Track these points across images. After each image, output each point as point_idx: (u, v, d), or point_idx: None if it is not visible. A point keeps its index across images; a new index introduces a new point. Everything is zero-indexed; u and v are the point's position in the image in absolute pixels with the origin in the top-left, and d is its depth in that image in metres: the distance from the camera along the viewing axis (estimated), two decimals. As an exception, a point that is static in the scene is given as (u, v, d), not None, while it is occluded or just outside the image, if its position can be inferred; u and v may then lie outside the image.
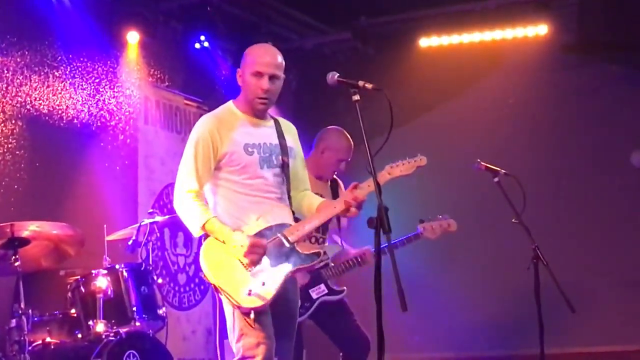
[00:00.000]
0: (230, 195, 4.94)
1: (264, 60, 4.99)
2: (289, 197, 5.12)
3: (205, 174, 4.89)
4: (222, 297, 4.82)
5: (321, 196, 6.05)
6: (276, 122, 5.16)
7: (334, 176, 6.79)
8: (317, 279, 6.52)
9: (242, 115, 5.03)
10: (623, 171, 9.76)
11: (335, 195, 6.59)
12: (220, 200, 4.95)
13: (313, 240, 6.47)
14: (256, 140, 4.99)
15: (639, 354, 9.34)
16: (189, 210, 4.84)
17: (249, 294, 4.70)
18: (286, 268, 4.86)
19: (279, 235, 4.88)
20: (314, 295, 6.51)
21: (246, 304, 4.71)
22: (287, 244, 4.88)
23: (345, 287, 6.66)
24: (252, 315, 4.72)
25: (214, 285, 4.78)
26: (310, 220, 5.03)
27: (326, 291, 6.56)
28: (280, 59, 5.04)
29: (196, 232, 4.86)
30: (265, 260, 4.80)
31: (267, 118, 5.12)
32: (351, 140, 6.63)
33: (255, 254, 4.74)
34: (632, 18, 9.26)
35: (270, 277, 4.78)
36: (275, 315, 4.85)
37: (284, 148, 5.09)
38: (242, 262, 4.74)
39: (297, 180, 5.19)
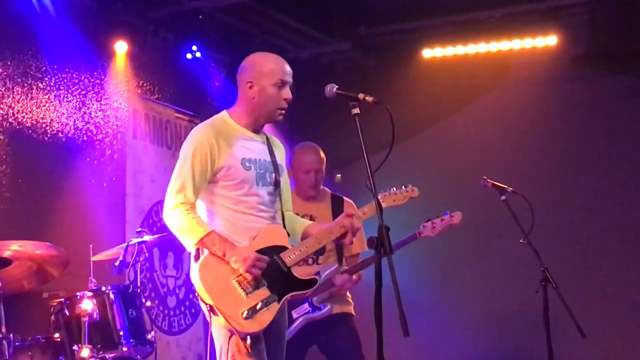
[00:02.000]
0: (223, 212, 4.93)
1: (286, 68, 5.04)
2: (283, 217, 5.14)
3: (201, 186, 4.88)
4: (215, 320, 4.80)
5: (310, 217, 6.32)
6: (267, 139, 5.19)
7: (342, 197, 6.85)
8: (300, 299, 6.53)
9: (238, 127, 5.03)
10: (639, 188, 9.76)
11: (335, 215, 6.63)
12: (212, 217, 4.94)
13: (310, 261, 6.50)
14: (253, 156, 5.01)
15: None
16: (185, 223, 4.79)
17: (246, 318, 4.70)
18: (282, 293, 4.87)
19: (275, 257, 4.89)
20: (295, 315, 6.53)
21: (243, 328, 4.70)
22: (284, 268, 4.90)
23: (329, 304, 6.63)
24: (248, 341, 4.71)
25: (210, 306, 4.74)
26: (308, 244, 5.05)
27: (309, 309, 6.57)
28: None
29: (191, 246, 4.82)
30: (261, 282, 4.80)
31: (260, 133, 5.14)
32: (316, 151, 6.75)
33: (257, 268, 4.74)
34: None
35: (266, 301, 4.78)
36: (265, 337, 4.84)
37: (275, 165, 5.11)
38: (241, 280, 4.74)
39: (284, 200, 5.22)
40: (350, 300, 6.77)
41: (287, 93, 5.01)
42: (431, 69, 10.16)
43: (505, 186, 6.61)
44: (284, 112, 5.05)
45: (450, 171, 9.86)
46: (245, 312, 4.70)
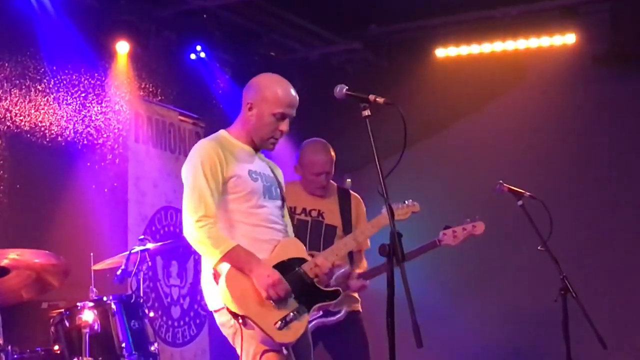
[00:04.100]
0: (239, 226, 4.97)
1: (290, 101, 5.05)
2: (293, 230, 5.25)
3: (217, 196, 4.90)
4: (245, 334, 4.79)
5: (319, 212, 6.48)
6: (265, 157, 5.29)
7: (349, 191, 6.87)
8: None
9: (239, 143, 5.09)
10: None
11: (343, 211, 6.67)
12: (230, 231, 4.95)
13: None
14: (258, 169, 5.08)
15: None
16: (211, 235, 4.80)
17: (279, 328, 4.75)
18: (310, 304, 4.97)
19: (298, 269, 4.95)
20: None
21: (279, 339, 4.75)
22: (307, 280, 4.97)
23: (343, 308, 6.64)
24: (284, 352, 4.77)
25: (243, 318, 4.75)
26: (327, 254, 5.20)
27: (321, 313, 6.57)
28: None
29: (215, 259, 4.81)
30: (289, 294, 4.87)
31: (260, 151, 5.21)
32: (327, 150, 6.74)
33: (277, 293, 4.77)
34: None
35: (297, 312, 4.85)
36: (295, 348, 4.89)
37: (279, 182, 5.21)
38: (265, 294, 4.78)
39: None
40: (358, 297, 6.77)
41: (284, 125, 5.04)
42: (445, 69, 10.16)
43: (523, 191, 6.60)
44: (275, 142, 5.11)
45: (465, 175, 9.86)
46: (279, 322, 4.75)
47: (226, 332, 4.94)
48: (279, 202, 5.12)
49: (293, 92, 5.09)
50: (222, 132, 5.16)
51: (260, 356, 4.78)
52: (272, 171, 5.22)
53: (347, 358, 6.72)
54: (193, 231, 4.82)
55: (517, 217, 6.54)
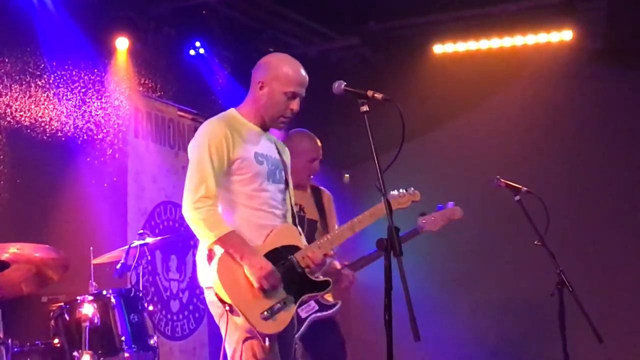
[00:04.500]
0: (237, 209, 4.95)
1: (301, 80, 5.07)
2: (293, 215, 5.18)
3: (219, 177, 4.88)
4: (231, 322, 4.80)
5: (300, 206, 6.38)
6: (273, 137, 5.24)
7: (320, 187, 6.87)
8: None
9: (247, 123, 5.06)
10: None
11: (318, 205, 6.67)
12: (227, 214, 4.93)
13: None
14: (264, 151, 5.05)
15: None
16: (207, 218, 4.77)
17: (265, 319, 4.73)
18: (298, 294, 4.92)
19: (290, 258, 4.93)
20: (303, 315, 6.51)
21: (263, 329, 4.74)
22: (298, 269, 4.94)
23: (339, 301, 6.65)
24: (267, 342, 4.75)
25: (230, 306, 4.75)
26: (322, 243, 5.11)
27: (317, 307, 6.57)
28: None
29: (208, 242, 4.80)
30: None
31: (269, 131, 5.17)
32: (316, 138, 6.73)
33: (268, 284, 4.75)
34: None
35: (284, 302, 4.83)
36: (280, 337, 4.88)
37: (284, 164, 5.17)
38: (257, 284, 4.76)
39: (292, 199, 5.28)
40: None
41: (295, 104, 5.04)
42: (442, 65, 10.17)
43: (520, 186, 6.61)
44: (286, 121, 5.10)
45: (462, 170, 9.88)
46: (265, 312, 4.74)
47: (213, 311, 4.92)
48: (281, 186, 5.10)
49: (303, 71, 5.10)
50: (231, 111, 5.12)
51: (242, 343, 4.78)
52: (279, 152, 5.18)
53: (325, 356, 6.70)
54: (191, 211, 4.80)
55: (514, 212, 6.55)
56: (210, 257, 4.83)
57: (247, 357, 4.77)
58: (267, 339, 4.76)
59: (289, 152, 5.33)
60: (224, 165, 4.89)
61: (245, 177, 4.93)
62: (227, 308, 4.76)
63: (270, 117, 5.06)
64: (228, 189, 4.93)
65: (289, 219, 5.15)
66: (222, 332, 4.88)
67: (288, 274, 4.89)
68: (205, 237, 4.80)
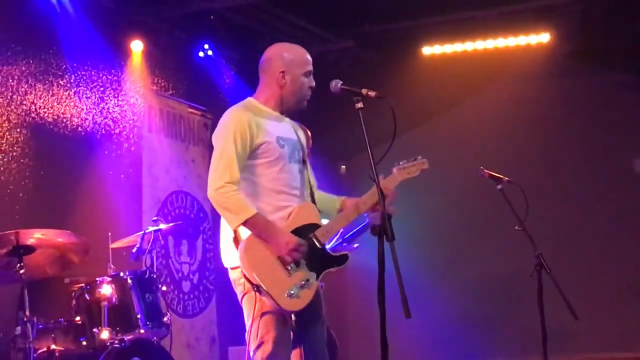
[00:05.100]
0: (261, 191, 4.87)
1: (309, 58, 5.06)
2: (311, 192, 5.10)
3: (242, 163, 4.80)
4: (251, 299, 4.75)
5: None
6: (289, 120, 5.16)
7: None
8: None
9: (267, 109, 4.99)
10: (628, 178, 9.78)
11: None
12: (252, 196, 4.86)
13: None
14: (285, 134, 4.97)
15: (639, 360, 9.39)
16: (232, 202, 4.70)
17: (290, 296, 4.68)
18: (320, 270, 4.85)
19: (311, 236, 4.84)
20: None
21: (289, 307, 4.69)
22: (319, 246, 4.87)
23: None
24: (293, 317, 4.74)
25: (257, 286, 4.68)
26: (339, 220, 5.03)
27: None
28: None
29: (234, 225, 4.72)
30: (301, 261, 4.77)
31: (284, 115, 5.09)
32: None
33: (298, 252, 4.71)
34: (636, 24, 9.27)
35: (306, 279, 4.76)
36: (306, 313, 4.82)
37: (302, 145, 5.09)
38: (282, 260, 4.70)
39: (310, 176, 5.18)
40: None
41: (312, 81, 5.03)
42: (431, 65, 10.16)
43: (502, 176, 6.60)
44: (308, 99, 5.06)
45: (449, 162, 9.84)
46: (290, 291, 4.68)
47: (237, 288, 4.86)
48: (300, 166, 5.01)
49: (307, 52, 5.11)
50: (250, 100, 5.05)
51: (259, 318, 4.73)
52: (296, 134, 5.10)
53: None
54: (216, 196, 4.72)
55: (497, 200, 6.55)
56: (236, 239, 4.75)
57: (263, 330, 4.73)
58: (292, 315, 4.73)
59: (303, 132, 5.22)
60: (248, 151, 4.81)
61: (269, 161, 4.85)
62: (255, 288, 4.70)
63: (296, 101, 5.01)
64: (252, 172, 4.87)
65: (308, 197, 5.06)
66: (245, 310, 4.84)
67: (309, 252, 4.81)
68: (232, 220, 4.72)
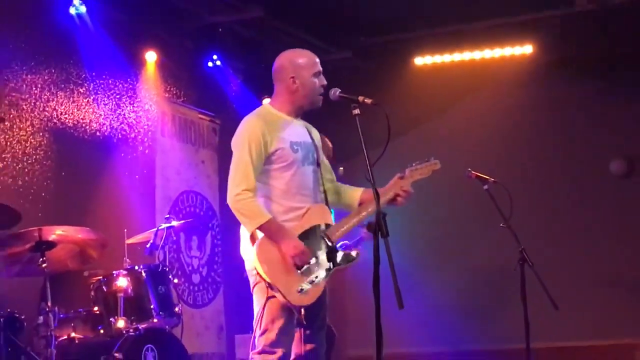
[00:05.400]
0: (276, 194, 4.86)
1: (315, 58, 5.01)
2: (324, 192, 5.07)
3: (258, 170, 4.79)
4: (259, 289, 4.76)
5: None
6: (302, 121, 5.13)
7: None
8: None
9: (281, 114, 4.96)
10: (603, 179, 9.80)
11: None
12: (267, 199, 4.86)
13: None
14: (298, 139, 4.94)
15: (615, 347, 9.39)
16: (248, 208, 4.70)
17: (300, 292, 4.68)
18: (329, 268, 4.83)
19: (322, 235, 4.83)
20: None
21: (297, 302, 4.68)
22: (330, 244, 4.85)
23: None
24: (302, 312, 4.72)
25: (269, 284, 4.68)
26: (349, 219, 4.98)
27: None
28: None
29: (250, 229, 4.73)
30: (312, 259, 4.77)
31: (298, 118, 5.06)
32: None
33: (301, 261, 4.69)
34: (613, 36, 9.29)
35: (317, 277, 4.75)
36: (312, 305, 4.81)
37: (315, 146, 5.06)
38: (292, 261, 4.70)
39: (327, 171, 5.16)
40: None
41: (323, 80, 4.98)
42: (423, 74, 10.17)
43: (488, 177, 6.61)
44: (322, 96, 4.99)
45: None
46: (300, 287, 4.67)
47: (250, 278, 4.86)
48: (314, 167, 4.99)
49: (313, 53, 5.06)
50: (265, 106, 5.05)
51: (264, 305, 4.73)
52: (310, 135, 5.07)
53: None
54: (234, 203, 4.73)
55: (483, 199, 6.56)
56: (252, 237, 4.76)
57: (269, 318, 4.73)
58: (302, 309, 4.71)
59: (317, 133, 5.19)
60: (263, 158, 4.80)
61: (283, 165, 4.84)
62: (267, 285, 4.70)
63: (311, 101, 4.96)
64: (268, 176, 4.85)
65: (320, 198, 5.02)
66: (255, 298, 4.84)
67: (320, 250, 4.81)
68: (247, 225, 4.74)
